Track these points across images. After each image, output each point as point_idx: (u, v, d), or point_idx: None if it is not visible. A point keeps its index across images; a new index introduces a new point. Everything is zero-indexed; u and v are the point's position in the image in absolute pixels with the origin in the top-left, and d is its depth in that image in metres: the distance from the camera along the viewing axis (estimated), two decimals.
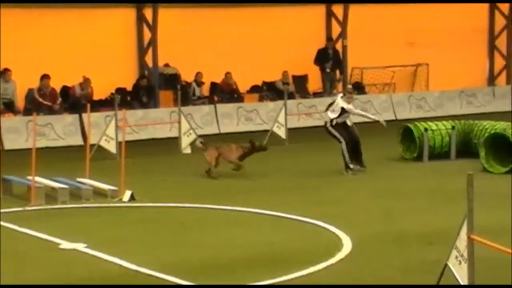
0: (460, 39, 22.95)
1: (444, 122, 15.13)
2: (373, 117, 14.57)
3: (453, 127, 14.79)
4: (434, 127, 14.82)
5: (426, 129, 14.65)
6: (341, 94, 14.15)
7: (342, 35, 22.25)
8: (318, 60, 21.32)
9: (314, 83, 21.65)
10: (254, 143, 13.80)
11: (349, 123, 13.90)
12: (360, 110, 15.24)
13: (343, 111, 13.62)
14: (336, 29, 22.29)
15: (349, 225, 9.76)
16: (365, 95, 21.82)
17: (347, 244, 8.96)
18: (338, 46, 22.10)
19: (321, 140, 17.75)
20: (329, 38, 22.00)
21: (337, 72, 21.90)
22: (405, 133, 15.03)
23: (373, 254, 8.63)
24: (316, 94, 21.50)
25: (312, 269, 7.99)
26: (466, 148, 14.61)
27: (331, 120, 13.75)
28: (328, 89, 21.46)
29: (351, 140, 13.70)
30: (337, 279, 7.77)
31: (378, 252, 8.73)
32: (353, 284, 7.64)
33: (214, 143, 14.06)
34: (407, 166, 14.34)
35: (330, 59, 21.40)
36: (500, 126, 14.28)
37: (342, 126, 13.73)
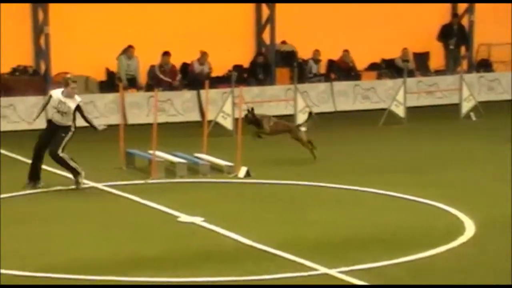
0: None
1: None
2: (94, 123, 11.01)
3: None
4: None
5: None
6: (60, 90, 10.89)
7: (470, 10, 21.42)
8: (441, 36, 20.67)
9: (436, 60, 21.00)
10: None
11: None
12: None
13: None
14: (462, 4, 21.46)
15: (472, 207, 9.40)
16: (493, 73, 20.95)
17: (469, 227, 8.64)
18: (464, 22, 21.30)
19: (442, 119, 17.28)
20: (454, 14, 21.25)
21: (462, 48, 21.13)
22: None
23: (498, 238, 8.28)
24: (438, 72, 20.86)
25: (432, 251, 7.75)
26: None
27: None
28: (451, 66, 20.76)
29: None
30: (458, 262, 7.50)
31: (505, 236, 8.35)
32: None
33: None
34: None
35: (454, 35, 20.69)
36: None
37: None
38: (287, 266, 7.58)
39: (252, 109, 12.98)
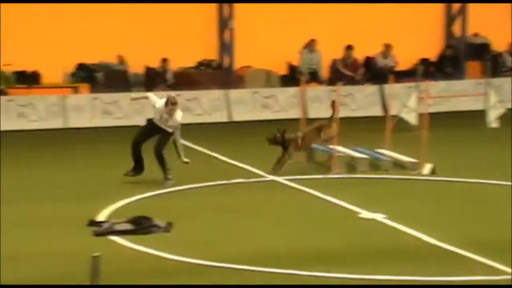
0: None
1: None
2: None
3: None
4: None
5: None
6: (163, 102, 10.59)
7: None
8: None
9: None
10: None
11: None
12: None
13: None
14: None
15: None
16: None
17: None
18: None
19: None
20: None
21: None
22: None
23: None
24: None
25: None
26: None
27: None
28: None
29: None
30: None
31: None
32: None
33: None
34: None
35: None
36: None
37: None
38: (475, 268, 7.11)
39: (284, 131, 11.50)
